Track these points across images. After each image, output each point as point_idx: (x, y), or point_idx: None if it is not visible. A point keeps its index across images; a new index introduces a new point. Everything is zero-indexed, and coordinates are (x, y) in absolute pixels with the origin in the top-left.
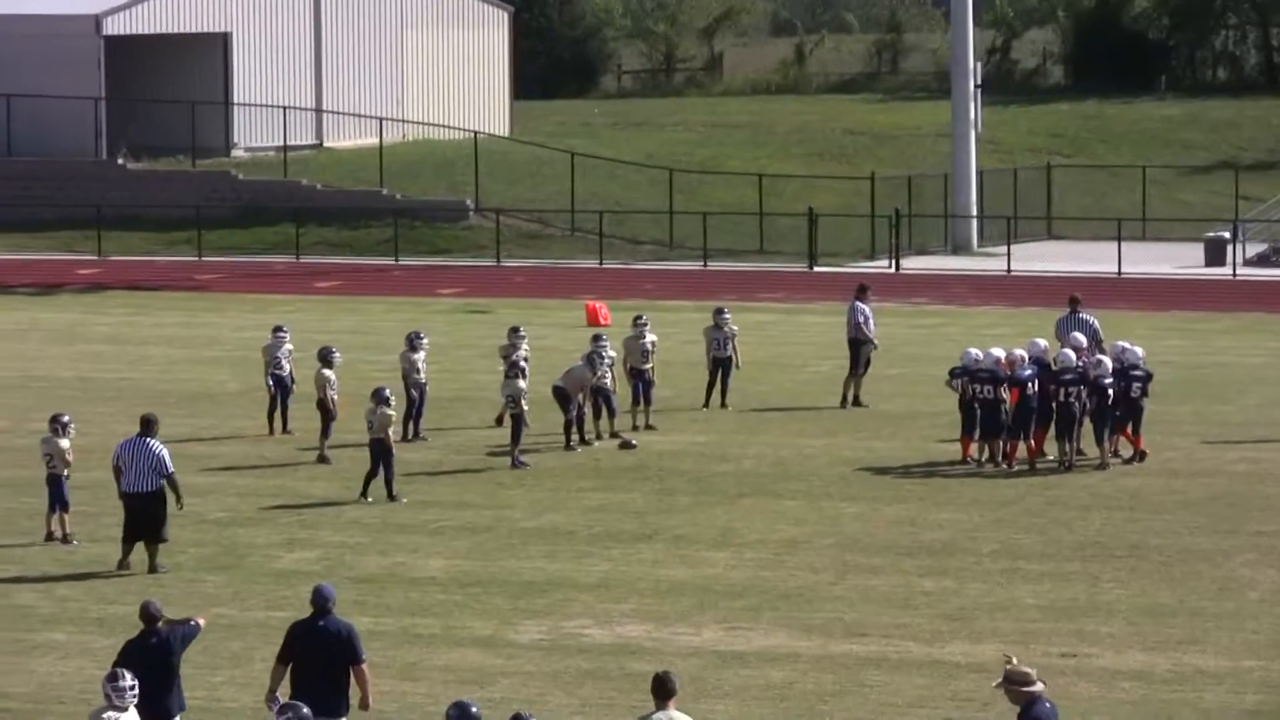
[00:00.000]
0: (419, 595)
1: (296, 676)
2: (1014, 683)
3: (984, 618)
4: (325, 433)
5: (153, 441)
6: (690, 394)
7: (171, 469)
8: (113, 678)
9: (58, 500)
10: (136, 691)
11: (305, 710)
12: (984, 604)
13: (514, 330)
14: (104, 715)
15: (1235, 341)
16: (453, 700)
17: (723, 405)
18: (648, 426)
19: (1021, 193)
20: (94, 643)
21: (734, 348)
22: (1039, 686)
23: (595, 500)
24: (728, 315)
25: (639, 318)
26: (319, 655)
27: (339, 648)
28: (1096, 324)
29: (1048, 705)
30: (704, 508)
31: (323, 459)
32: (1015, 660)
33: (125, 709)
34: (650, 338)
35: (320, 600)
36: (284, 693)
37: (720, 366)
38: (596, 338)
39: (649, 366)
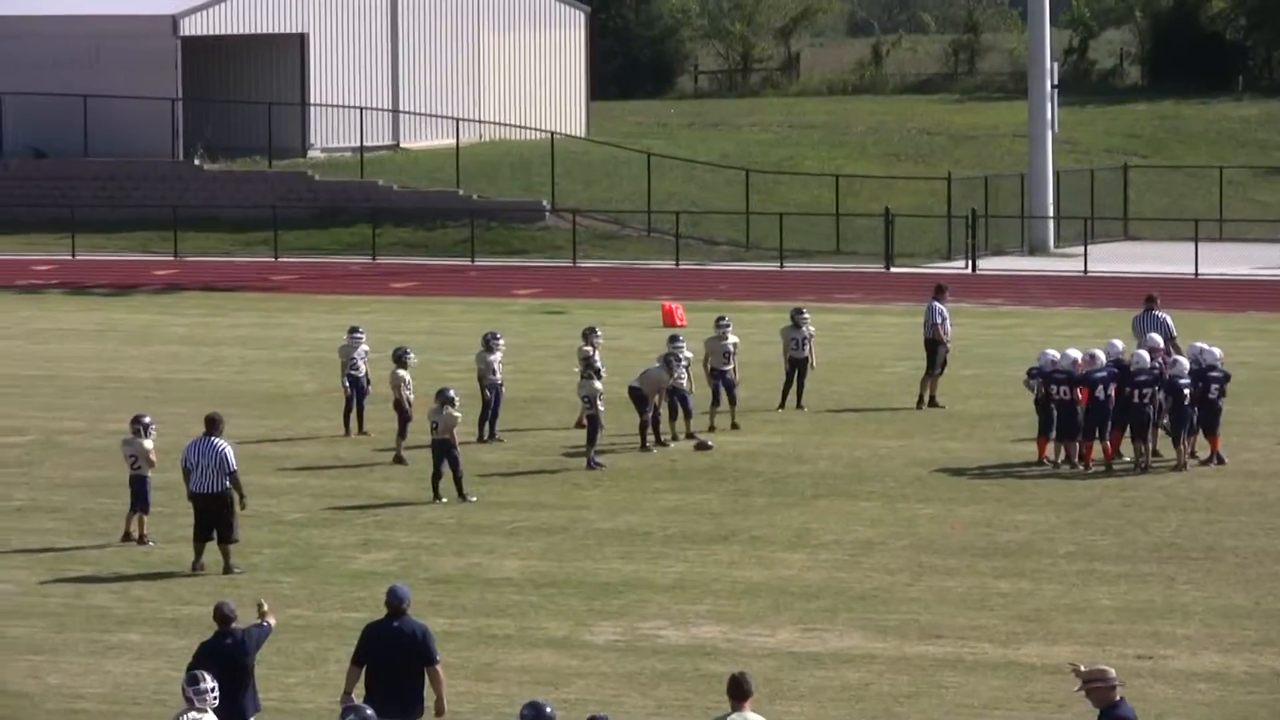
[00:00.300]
0: (494, 596)
1: (371, 678)
2: (1094, 681)
3: (1059, 619)
4: (402, 433)
5: (218, 440)
6: (766, 395)
7: (235, 467)
8: (193, 680)
9: (140, 502)
10: (217, 694)
11: (369, 712)
12: (1060, 605)
13: (590, 331)
14: (186, 718)
15: None
16: (527, 701)
17: (798, 406)
18: (733, 426)
19: (1098, 193)
20: (169, 644)
21: (810, 349)
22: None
23: (671, 501)
24: (806, 315)
25: (721, 319)
26: (394, 657)
27: (414, 649)
28: (1171, 323)
29: (1129, 707)
30: (779, 509)
31: (399, 460)
32: (1083, 667)
33: (205, 711)
34: (732, 339)
35: (395, 601)
36: (359, 694)
37: (797, 367)
38: (673, 338)
39: (730, 367)
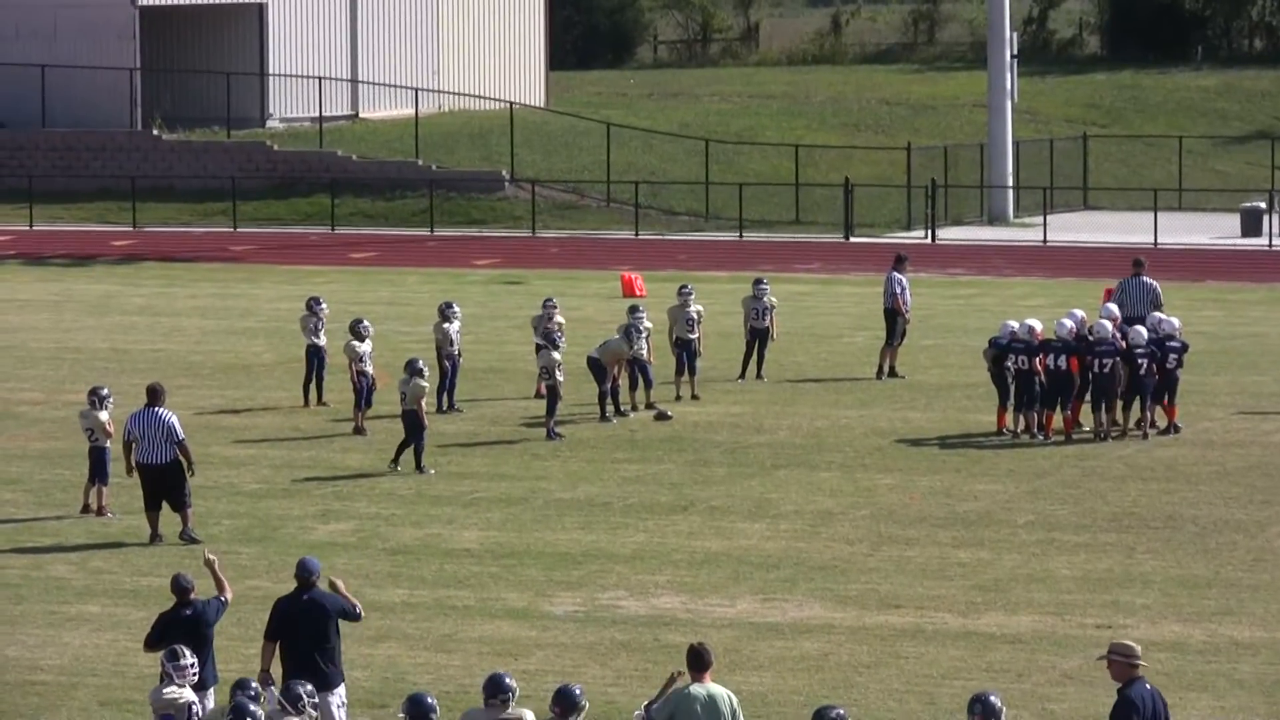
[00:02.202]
0: (454, 567)
1: (287, 652)
2: (1122, 655)
3: (1019, 589)
4: (358, 404)
5: (162, 410)
6: (725, 365)
7: (182, 436)
8: (173, 655)
9: (99, 473)
10: (197, 669)
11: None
12: (1019, 575)
13: (547, 301)
14: (165, 691)
15: (1271, 312)
16: (489, 672)
17: (759, 376)
18: (693, 396)
19: (1057, 163)
20: (128, 615)
21: (772, 319)
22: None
23: (630, 472)
24: (766, 286)
25: (684, 287)
26: (307, 630)
27: (327, 620)
28: (1158, 288)
29: (1149, 688)
30: (739, 479)
31: (359, 430)
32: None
33: (185, 687)
34: (695, 307)
35: (304, 574)
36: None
37: (758, 337)
38: (633, 309)
39: (695, 336)
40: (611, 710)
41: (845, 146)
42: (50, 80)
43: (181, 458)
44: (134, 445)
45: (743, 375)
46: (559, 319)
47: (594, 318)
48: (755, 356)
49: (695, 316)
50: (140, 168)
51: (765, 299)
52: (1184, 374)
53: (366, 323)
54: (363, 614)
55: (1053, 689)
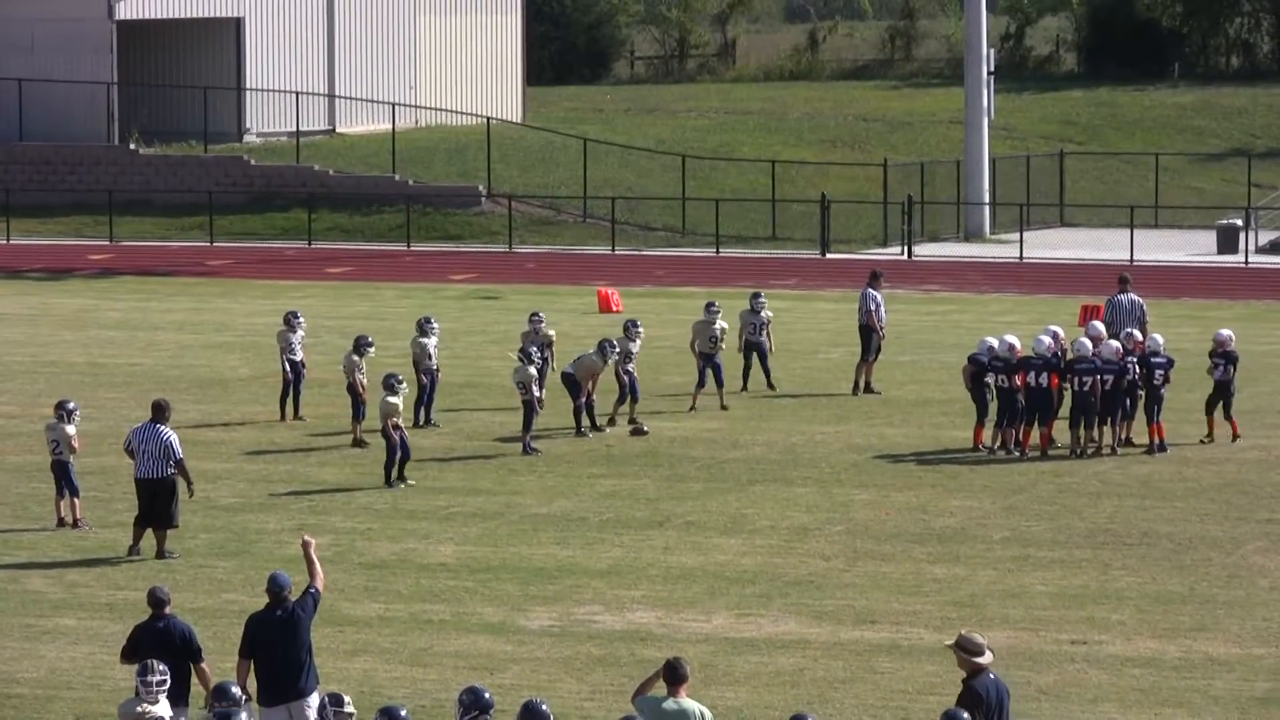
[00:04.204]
0: (429, 581)
1: (261, 668)
2: (964, 649)
3: (994, 605)
4: (356, 416)
5: (163, 428)
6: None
7: (180, 455)
8: (144, 670)
9: (67, 485)
10: (167, 683)
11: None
12: (995, 591)
13: (533, 315)
14: (137, 709)
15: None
16: (465, 686)
17: (769, 386)
18: (721, 407)
19: (1034, 180)
20: (104, 628)
21: (768, 333)
22: (988, 658)
23: (606, 487)
24: (763, 300)
25: (711, 304)
26: (283, 644)
27: (300, 635)
28: (1143, 304)
29: (992, 677)
30: (715, 494)
31: (359, 443)
32: (964, 632)
33: (157, 702)
34: (721, 324)
35: (276, 589)
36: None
37: (754, 350)
38: (631, 323)
39: (718, 351)
40: None
41: (822, 162)
42: (27, 94)
43: (180, 476)
44: (133, 455)
45: (745, 388)
46: (550, 332)
47: (570, 333)
48: (761, 369)
49: (719, 333)
50: (117, 182)
51: (762, 313)
52: (1168, 391)
53: (371, 343)
54: (321, 591)
55: (1028, 704)
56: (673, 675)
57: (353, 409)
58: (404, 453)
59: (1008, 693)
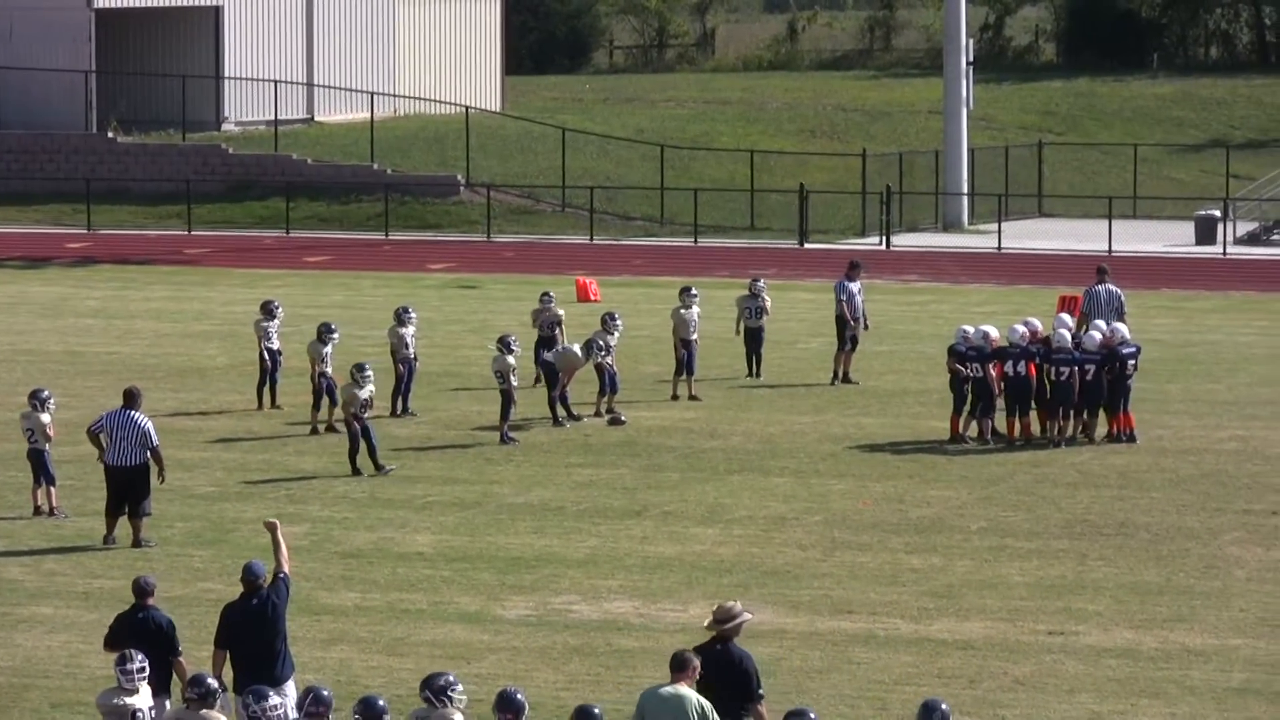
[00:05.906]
0: (406, 570)
1: (237, 657)
2: (719, 620)
3: (971, 595)
4: (325, 403)
5: (137, 414)
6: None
7: (156, 442)
8: (122, 660)
9: (43, 474)
10: (146, 672)
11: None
12: (971, 581)
13: (544, 295)
14: (115, 700)
15: (1225, 320)
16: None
17: (756, 375)
18: (691, 397)
19: (1013, 170)
20: (80, 617)
21: (765, 319)
22: (745, 615)
23: (584, 476)
24: (763, 285)
25: (688, 289)
26: (259, 633)
27: (275, 623)
28: (1122, 295)
29: (739, 650)
30: (693, 484)
31: (332, 429)
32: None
33: (135, 692)
34: (695, 310)
35: (251, 578)
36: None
37: (754, 336)
38: (609, 315)
39: (695, 337)
40: (564, 715)
41: (801, 152)
42: (5, 82)
43: (153, 463)
44: (103, 439)
45: (750, 373)
46: (560, 311)
47: None
48: (753, 356)
49: (695, 319)
50: (95, 170)
51: (761, 298)
52: (1138, 381)
53: (336, 331)
54: (289, 575)
55: (1004, 695)
56: (674, 663)
57: (314, 397)
58: (368, 443)
59: (750, 660)
